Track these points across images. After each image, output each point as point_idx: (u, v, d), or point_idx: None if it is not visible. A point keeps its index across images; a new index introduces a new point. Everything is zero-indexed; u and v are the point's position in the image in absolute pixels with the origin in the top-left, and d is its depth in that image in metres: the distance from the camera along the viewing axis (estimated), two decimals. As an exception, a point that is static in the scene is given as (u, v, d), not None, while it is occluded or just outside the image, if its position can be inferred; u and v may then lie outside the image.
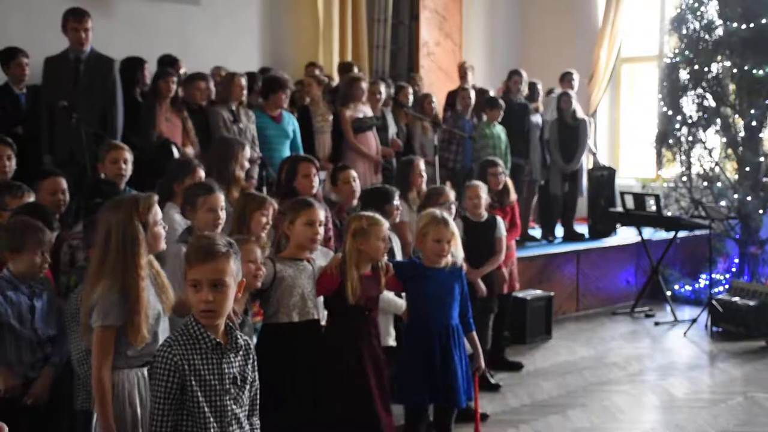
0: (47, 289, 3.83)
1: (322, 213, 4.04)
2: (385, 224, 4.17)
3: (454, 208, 5.22)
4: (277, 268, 3.89)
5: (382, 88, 7.78)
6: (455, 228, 4.33)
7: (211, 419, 2.66)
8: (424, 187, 5.92)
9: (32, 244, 3.70)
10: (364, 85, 7.50)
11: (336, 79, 8.77)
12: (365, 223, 4.06)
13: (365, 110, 7.45)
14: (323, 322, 4.13)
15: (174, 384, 2.63)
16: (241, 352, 2.77)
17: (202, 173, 4.81)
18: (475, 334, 4.49)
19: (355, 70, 8.77)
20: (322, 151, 7.29)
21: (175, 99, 6.58)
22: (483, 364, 4.58)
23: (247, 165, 5.36)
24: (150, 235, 3.15)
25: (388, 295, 4.53)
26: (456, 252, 4.30)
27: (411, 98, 8.51)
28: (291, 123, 6.90)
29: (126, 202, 3.19)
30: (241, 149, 5.30)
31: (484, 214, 5.89)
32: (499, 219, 5.99)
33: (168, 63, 7.54)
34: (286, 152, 6.71)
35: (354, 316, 4.04)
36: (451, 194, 5.42)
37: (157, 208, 3.24)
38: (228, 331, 2.75)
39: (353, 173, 5.55)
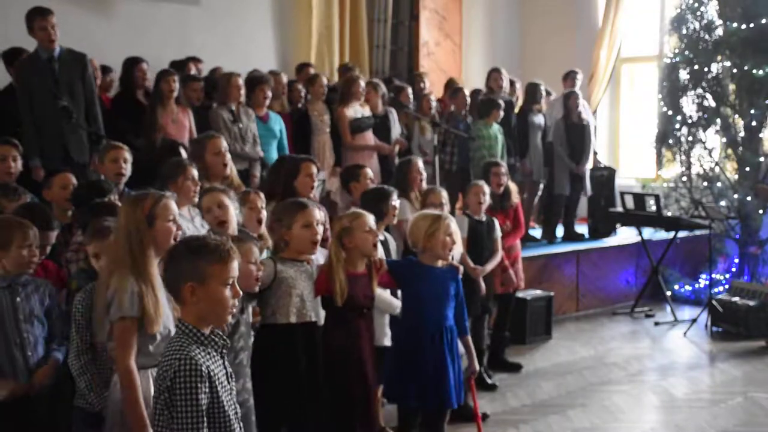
0: (40, 291, 3.76)
1: (318, 212, 4.03)
2: (369, 217, 4.14)
3: (446, 209, 5.22)
4: (278, 268, 3.88)
5: (382, 87, 7.79)
6: (456, 225, 4.35)
7: (235, 423, 2.59)
8: (424, 185, 5.94)
9: (18, 239, 3.64)
10: (363, 83, 7.51)
11: (335, 80, 8.79)
12: (347, 221, 4.08)
13: (364, 110, 7.45)
14: (320, 323, 4.11)
15: (205, 394, 2.48)
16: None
17: (194, 171, 4.77)
18: (469, 338, 4.46)
19: (356, 71, 8.78)
20: (321, 152, 7.30)
21: (180, 98, 6.56)
22: (477, 367, 4.57)
23: (227, 156, 5.17)
24: (156, 231, 3.19)
25: (385, 294, 4.53)
26: (456, 250, 4.32)
27: (411, 98, 8.50)
28: (278, 123, 6.90)
29: (135, 196, 3.30)
30: (210, 142, 5.13)
31: (483, 215, 5.92)
32: (495, 220, 6.03)
33: (181, 65, 7.59)
34: (274, 152, 6.72)
35: (353, 315, 4.05)
36: (444, 195, 5.42)
37: (168, 205, 3.26)
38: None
39: (369, 171, 5.68)
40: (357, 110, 7.40)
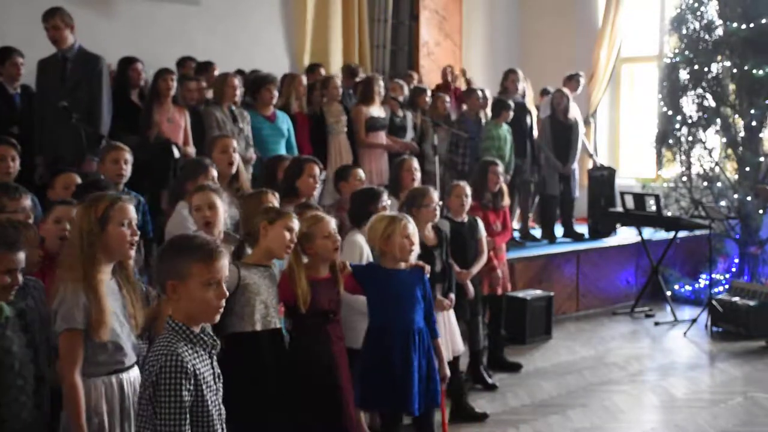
0: (39, 289, 3.72)
1: (297, 224, 3.93)
2: (330, 221, 4.04)
3: (438, 209, 5.20)
4: (241, 274, 3.74)
5: (406, 88, 7.84)
6: (414, 225, 4.26)
7: (218, 424, 2.58)
8: (415, 185, 5.86)
9: (30, 239, 3.55)
10: (382, 84, 7.58)
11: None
12: (305, 226, 3.96)
13: (380, 110, 7.51)
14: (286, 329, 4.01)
15: (189, 391, 2.48)
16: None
17: (215, 172, 4.82)
18: (440, 341, 4.37)
19: (360, 71, 8.82)
20: (337, 153, 7.31)
21: (177, 97, 6.56)
22: (448, 372, 4.45)
23: (236, 158, 5.22)
24: (108, 235, 3.05)
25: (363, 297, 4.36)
26: (415, 251, 4.21)
27: (429, 101, 8.51)
28: (285, 122, 6.90)
29: (91, 197, 3.17)
30: (219, 141, 5.23)
31: (465, 216, 5.82)
32: (479, 220, 5.94)
33: (203, 68, 7.63)
34: (282, 151, 6.71)
35: (318, 321, 3.94)
36: (435, 195, 5.38)
37: (124, 208, 3.11)
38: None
39: (360, 172, 5.66)
40: (374, 110, 7.49)
